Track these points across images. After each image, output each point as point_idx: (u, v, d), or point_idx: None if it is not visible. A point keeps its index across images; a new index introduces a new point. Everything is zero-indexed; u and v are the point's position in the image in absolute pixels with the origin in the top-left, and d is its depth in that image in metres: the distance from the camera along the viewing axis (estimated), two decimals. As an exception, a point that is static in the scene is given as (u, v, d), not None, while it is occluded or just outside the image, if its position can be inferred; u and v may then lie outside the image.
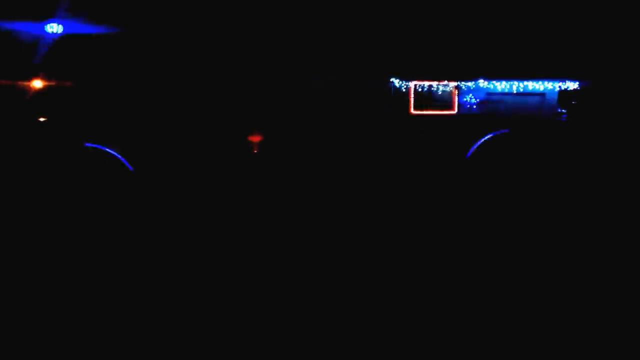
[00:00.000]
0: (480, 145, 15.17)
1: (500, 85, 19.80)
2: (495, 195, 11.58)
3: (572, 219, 9.50)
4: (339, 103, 20.32)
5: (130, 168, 13.63)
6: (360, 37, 19.74)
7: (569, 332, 5.22)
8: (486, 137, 15.56)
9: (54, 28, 18.06)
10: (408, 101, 20.56)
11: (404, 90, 20.43)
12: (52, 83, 18.23)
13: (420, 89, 20.45)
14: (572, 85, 19.64)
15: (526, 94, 20.05)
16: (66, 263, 7.10)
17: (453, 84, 20.25)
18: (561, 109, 20.07)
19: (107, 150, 15.95)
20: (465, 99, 20.14)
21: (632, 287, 6.35)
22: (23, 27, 17.93)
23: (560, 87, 19.91)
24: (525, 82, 19.77)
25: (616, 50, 18.94)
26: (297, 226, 9.14)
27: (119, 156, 15.42)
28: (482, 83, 19.76)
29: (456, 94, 20.48)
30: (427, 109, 20.59)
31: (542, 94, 20.12)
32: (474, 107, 20.17)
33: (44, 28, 18.10)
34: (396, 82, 20.24)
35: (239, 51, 19.53)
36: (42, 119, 18.08)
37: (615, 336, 5.15)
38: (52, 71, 18.22)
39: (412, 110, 20.72)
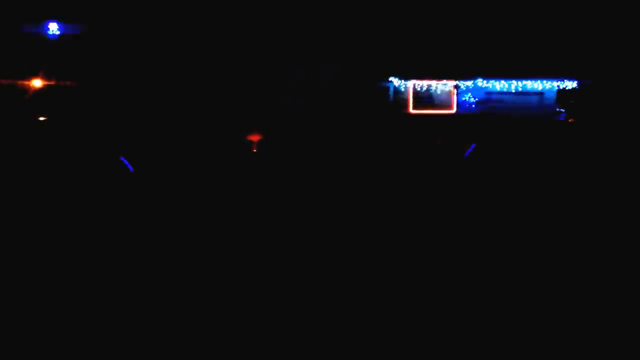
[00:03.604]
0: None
1: (499, 85, 19.88)
2: (494, 194, 11.61)
3: (573, 219, 9.53)
4: (335, 102, 20.41)
5: (131, 168, 13.68)
6: (357, 37, 19.83)
7: (565, 331, 5.26)
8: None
9: (53, 29, 18.09)
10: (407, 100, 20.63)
11: (402, 89, 20.50)
12: (52, 83, 18.28)
13: (419, 89, 20.51)
14: (570, 84, 19.69)
15: (525, 93, 20.14)
16: (67, 262, 7.13)
17: (452, 83, 20.31)
18: (560, 109, 20.16)
19: (107, 150, 15.99)
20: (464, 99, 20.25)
21: (629, 287, 6.38)
22: (23, 28, 17.97)
23: (558, 86, 19.97)
24: (524, 82, 19.86)
25: (615, 49, 19.01)
26: (296, 224, 9.17)
27: (121, 157, 15.47)
28: (480, 82, 19.84)
29: (455, 93, 20.55)
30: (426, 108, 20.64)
31: (540, 93, 20.19)
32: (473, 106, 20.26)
33: (43, 28, 18.14)
34: (395, 81, 20.30)
35: (238, 51, 19.58)
36: (42, 119, 18.14)
37: (614, 336, 5.18)
38: (52, 71, 18.27)
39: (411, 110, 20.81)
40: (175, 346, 4.93)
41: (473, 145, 15.21)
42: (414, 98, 20.67)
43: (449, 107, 20.61)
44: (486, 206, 10.71)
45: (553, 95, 20.14)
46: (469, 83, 19.90)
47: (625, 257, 7.42)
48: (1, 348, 4.90)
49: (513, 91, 19.93)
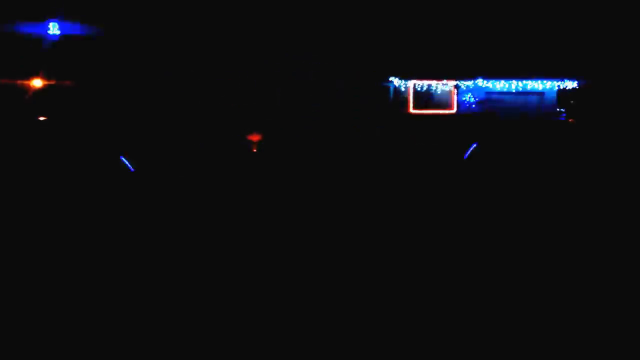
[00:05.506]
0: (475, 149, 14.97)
1: (499, 85, 19.83)
2: (494, 195, 11.59)
3: (572, 219, 9.51)
4: (337, 102, 20.38)
5: (131, 168, 13.67)
6: (360, 37, 19.81)
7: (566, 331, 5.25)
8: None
9: (53, 29, 18.09)
10: (407, 100, 20.62)
11: (403, 89, 20.49)
12: (52, 83, 18.28)
13: (419, 89, 20.48)
14: (570, 84, 19.66)
15: (525, 93, 20.10)
16: (67, 262, 7.12)
17: (452, 83, 20.27)
18: (560, 108, 20.13)
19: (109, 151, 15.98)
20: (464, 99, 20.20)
21: (630, 287, 6.38)
22: (23, 28, 17.97)
23: (559, 86, 19.94)
24: (524, 81, 19.82)
25: (615, 49, 18.98)
26: (296, 224, 9.17)
27: (121, 157, 15.46)
28: (480, 82, 19.79)
29: (455, 93, 20.51)
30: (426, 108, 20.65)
31: (540, 93, 20.14)
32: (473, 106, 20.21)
33: (43, 29, 18.14)
34: (395, 81, 20.27)
35: (237, 51, 19.56)
36: (42, 119, 18.13)
37: (614, 336, 5.17)
38: (52, 71, 18.27)
39: (412, 110, 20.80)
40: (174, 345, 4.93)
41: (473, 145, 15.12)
42: (414, 98, 20.67)
43: (449, 107, 20.61)
44: (485, 206, 10.70)
45: (553, 96, 20.12)
46: (469, 83, 19.87)
47: (625, 257, 7.42)
48: (1, 348, 4.90)
49: (513, 91, 19.90)
